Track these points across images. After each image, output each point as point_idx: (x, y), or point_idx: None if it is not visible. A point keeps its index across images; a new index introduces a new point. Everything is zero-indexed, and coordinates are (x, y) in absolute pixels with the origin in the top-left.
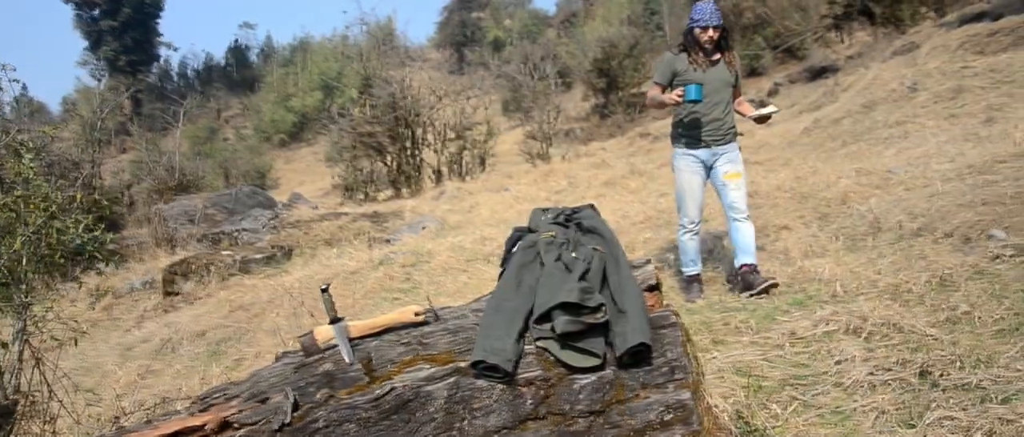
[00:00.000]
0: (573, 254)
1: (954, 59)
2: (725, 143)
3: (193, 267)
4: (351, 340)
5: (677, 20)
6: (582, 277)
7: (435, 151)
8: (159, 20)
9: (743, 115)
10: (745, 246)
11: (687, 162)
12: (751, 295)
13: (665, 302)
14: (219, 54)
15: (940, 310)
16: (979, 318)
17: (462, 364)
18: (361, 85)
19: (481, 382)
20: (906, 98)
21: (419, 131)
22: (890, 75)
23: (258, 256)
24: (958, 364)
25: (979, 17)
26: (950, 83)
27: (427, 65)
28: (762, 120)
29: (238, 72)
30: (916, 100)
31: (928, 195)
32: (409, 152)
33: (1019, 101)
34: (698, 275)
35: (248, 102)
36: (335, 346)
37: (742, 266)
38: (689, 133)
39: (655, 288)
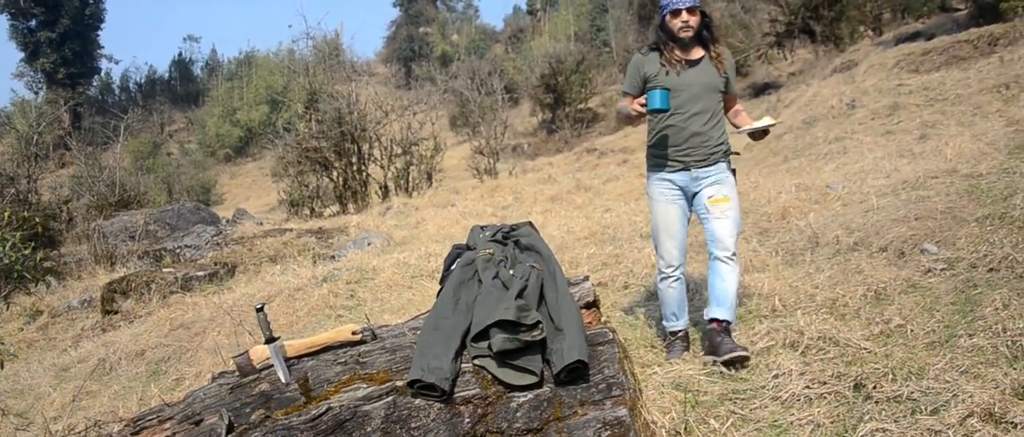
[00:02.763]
0: (510, 272)
1: (890, 77)
2: (710, 164)
3: (133, 285)
4: (288, 360)
5: (623, 37)
6: (519, 295)
7: (382, 167)
8: (100, 32)
9: (737, 128)
10: (721, 295)
11: (661, 189)
12: (716, 362)
13: (603, 319)
14: (162, 67)
15: (875, 323)
16: (911, 331)
17: (400, 383)
18: (307, 100)
19: (419, 401)
20: (845, 115)
21: (365, 146)
22: (830, 92)
23: (200, 273)
24: (891, 377)
25: (914, 37)
26: (886, 100)
27: (374, 80)
28: (757, 135)
29: (182, 86)
30: (854, 117)
31: (864, 210)
32: (355, 168)
33: (951, 118)
34: (683, 331)
35: (193, 116)
36: (271, 366)
37: (712, 321)
38: (663, 152)
39: (593, 305)
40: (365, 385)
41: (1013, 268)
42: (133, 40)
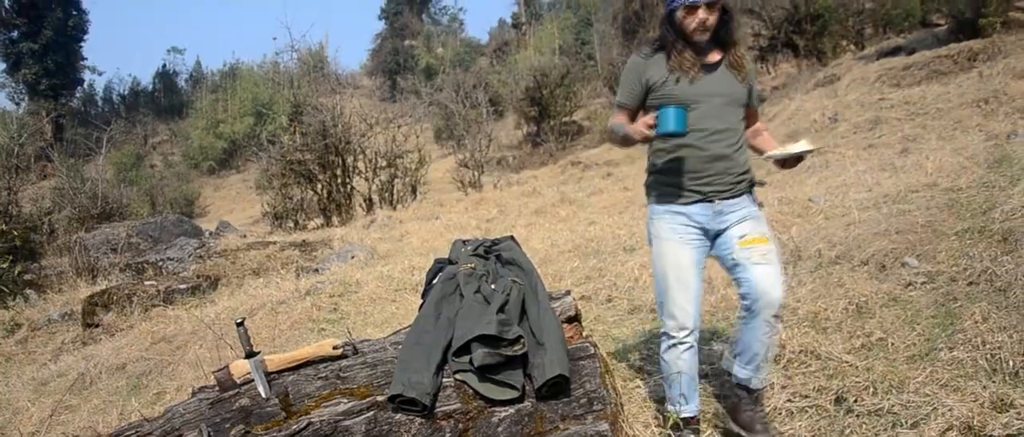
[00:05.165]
0: (492, 286)
1: (872, 91)
2: (735, 195)
3: (115, 297)
4: (268, 374)
5: (607, 50)
6: (501, 309)
7: (366, 179)
8: (83, 43)
9: (759, 153)
10: (754, 355)
11: (673, 225)
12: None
13: (585, 333)
14: (146, 79)
15: (856, 337)
16: (892, 344)
17: (380, 398)
18: (291, 112)
19: (400, 416)
20: (827, 129)
21: (350, 159)
22: (812, 106)
23: (183, 286)
24: (872, 390)
25: (895, 52)
26: (868, 114)
27: (359, 92)
28: (788, 163)
29: (166, 97)
30: (836, 130)
31: (846, 224)
32: (340, 180)
33: (931, 132)
34: (694, 419)
35: (176, 128)
36: (252, 381)
37: (739, 385)
38: (675, 180)
39: (575, 319)
40: (346, 400)
41: (992, 281)
42: (117, 52)
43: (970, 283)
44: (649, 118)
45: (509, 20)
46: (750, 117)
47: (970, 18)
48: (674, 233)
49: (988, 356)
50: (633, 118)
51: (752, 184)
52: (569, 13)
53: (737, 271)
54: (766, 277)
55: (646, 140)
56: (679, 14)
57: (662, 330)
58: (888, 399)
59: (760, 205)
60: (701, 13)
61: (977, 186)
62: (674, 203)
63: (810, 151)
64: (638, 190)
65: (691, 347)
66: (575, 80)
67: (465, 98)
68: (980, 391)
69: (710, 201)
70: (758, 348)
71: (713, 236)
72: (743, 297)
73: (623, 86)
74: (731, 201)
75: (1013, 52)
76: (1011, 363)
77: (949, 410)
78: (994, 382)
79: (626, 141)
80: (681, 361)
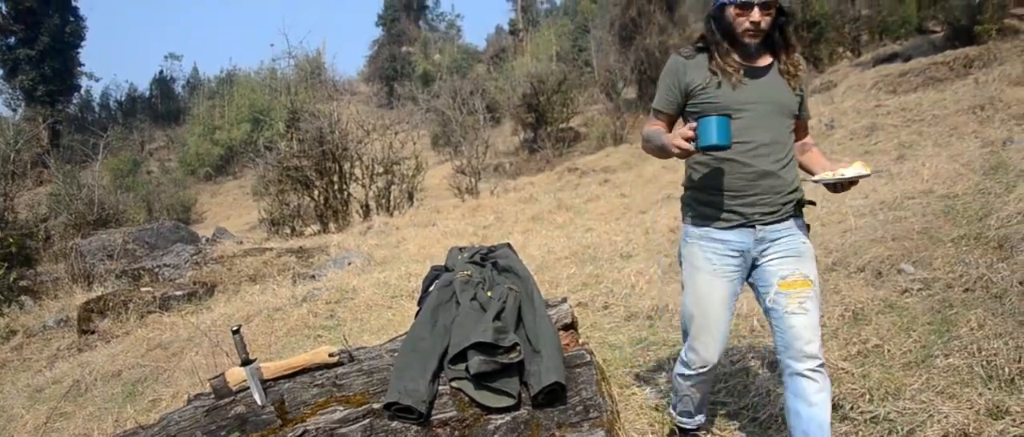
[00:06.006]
0: (488, 293)
1: (869, 98)
2: (781, 219)
3: (111, 304)
4: (264, 382)
5: (604, 57)
6: (497, 317)
7: (363, 185)
8: (80, 50)
9: (811, 174)
10: (812, 428)
11: (708, 253)
12: None
13: (582, 340)
14: (143, 85)
15: (852, 343)
16: (888, 351)
17: (376, 406)
18: (288, 118)
19: (395, 424)
20: (824, 135)
21: (347, 165)
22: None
23: (179, 293)
24: (868, 397)
25: (891, 58)
26: (865, 121)
27: (356, 99)
28: (840, 188)
29: (163, 104)
30: (833, 137)
31: (842, 230)
32: (337, 186)
33: (927, 139)
34: (697, 431)
35: (173, 134)
36: (247, 388)
37: None
38: (714, 199)
39: (571, 326)
40: (342, 407)
41: (988, 288)
42: (114, 58)
43: (966, 290)
44: (687, 130)
45: (506, 27)
46: (799, 130)
47: (966, 25)
48: (709, 264)
49: (984, 363)
50: (671, 126)
51: (800, 205)
52: (566, 20)
53: (771, 316)
54: (801, 327)
55: (685, 155)
56: (730, 12)
57: (683, 355)
58: (884, 406)
59: (808, 228)
60: (755, 14)
61: (973, 192)
62: (711, 227)
63: (865, 175)
64: (635, 196)
65: (707, 380)
66: (572, 87)
67: (462, 105)
68: (976, 398)
69: (752, 226)
70: (811, 415)
71: (752, 261)
72: (777, 343)
73: (660, 90)
74: (776, 225)
75: (1009, 59)
76: (1007, 370)
77: (945, 417)
78: (990, 389)
79: (662, 152)
80: (695, 389)
